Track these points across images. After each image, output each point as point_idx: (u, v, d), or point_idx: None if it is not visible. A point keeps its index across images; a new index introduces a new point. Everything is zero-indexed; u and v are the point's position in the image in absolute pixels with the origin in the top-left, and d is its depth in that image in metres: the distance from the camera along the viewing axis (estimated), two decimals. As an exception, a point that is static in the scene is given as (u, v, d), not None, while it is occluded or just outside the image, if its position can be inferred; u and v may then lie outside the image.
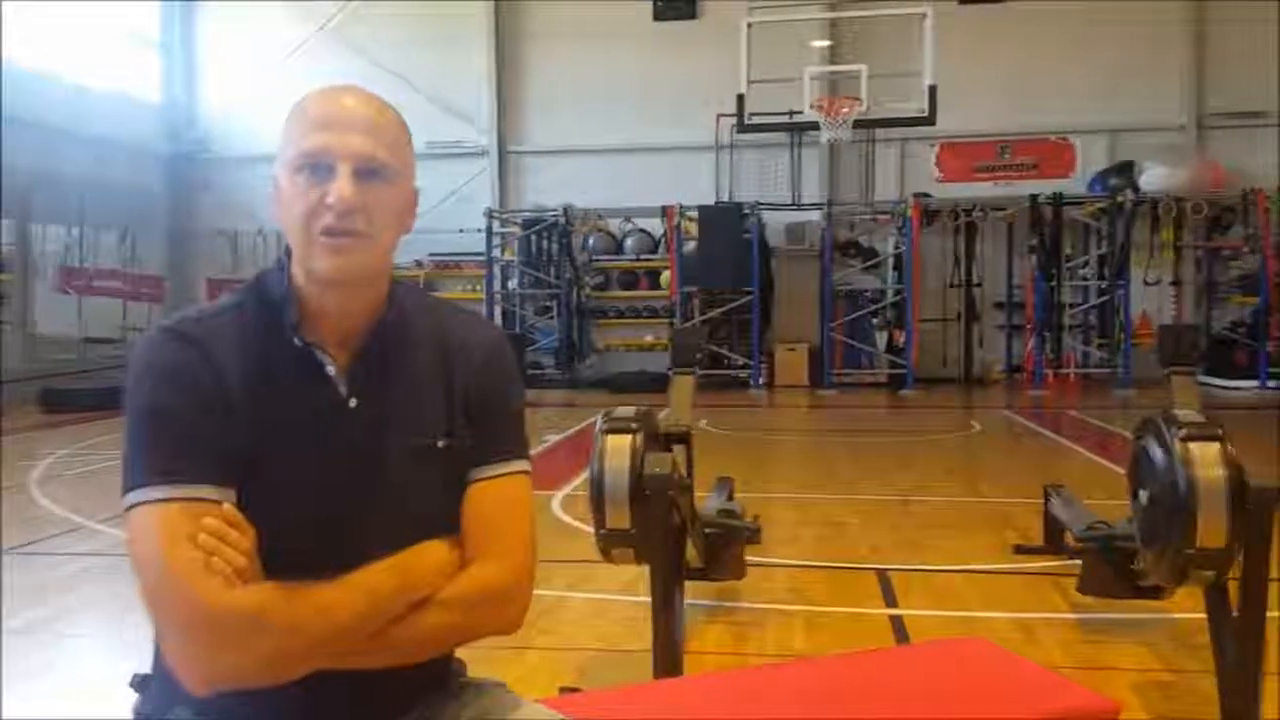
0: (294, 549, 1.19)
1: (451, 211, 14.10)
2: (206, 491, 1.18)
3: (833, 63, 12.67)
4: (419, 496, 1.28)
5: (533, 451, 5.30)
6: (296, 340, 1.26)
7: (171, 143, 14.93)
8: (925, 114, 10.42)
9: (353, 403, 1.27)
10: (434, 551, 1.25)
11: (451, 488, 1.30)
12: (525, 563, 1.31)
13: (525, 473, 1.36)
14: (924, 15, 10.36)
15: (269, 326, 1.26)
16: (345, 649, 1.18)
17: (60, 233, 12.48)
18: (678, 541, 2.75)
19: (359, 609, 1.17)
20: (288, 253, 1.28)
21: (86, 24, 13.23)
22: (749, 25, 10.75)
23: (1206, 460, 2.33)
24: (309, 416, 1.25)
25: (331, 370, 1.27)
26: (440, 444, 1.29)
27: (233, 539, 1.16)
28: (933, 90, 10.26)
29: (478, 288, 14.08)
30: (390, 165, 1.25)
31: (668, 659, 2.56)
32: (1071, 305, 13.09)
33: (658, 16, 14.15)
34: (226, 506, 1.18)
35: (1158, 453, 2.46)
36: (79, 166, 12.36)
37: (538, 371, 13.33)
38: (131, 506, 1.18)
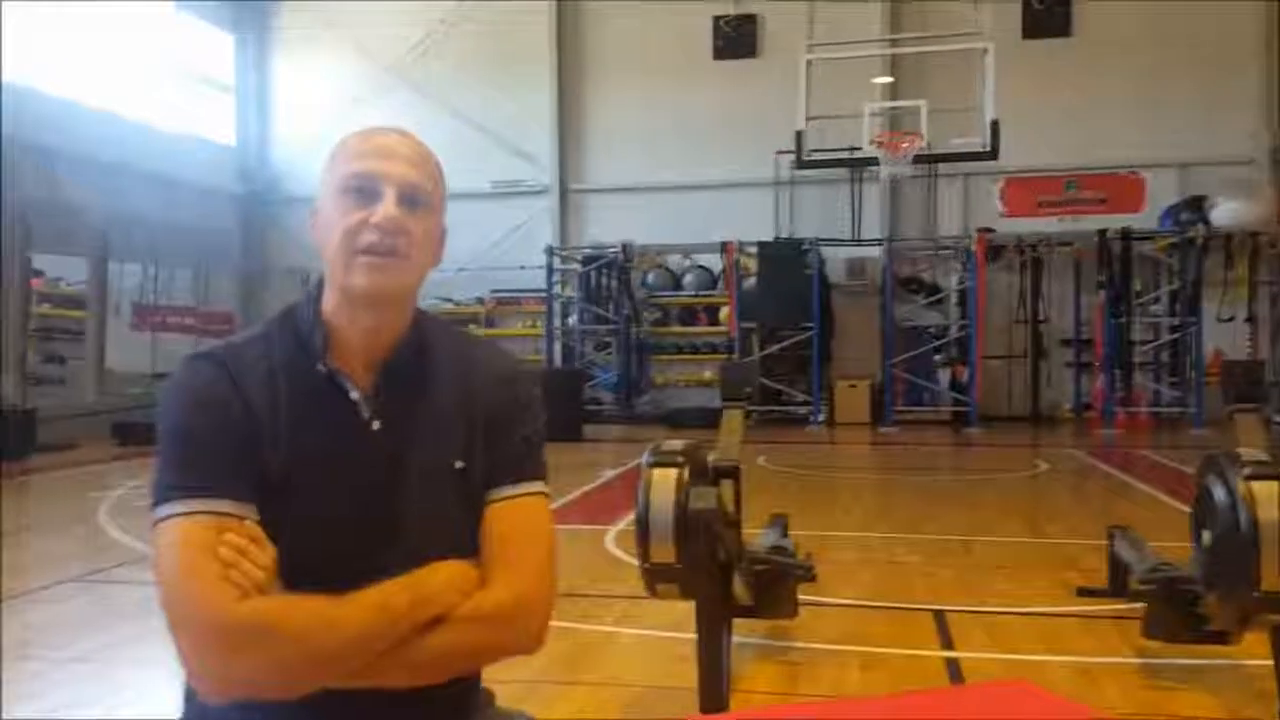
0: (317, 567, 1.21)
1: (513, 249, 14.34)
2: (228, 506, 1.21)
3: (894, 98, 12.64)
4: (439, 517, 1.30)
5: (589, 487, 5.33)
6: (321, 366, 1.30)
7: (244, 183, 15.38)
8: (988, 149, 10.32)
9: (375, 425, 1.31)
10: (448, 569, 1.26)
11: (471, 510, 1.33)
12: (540, 581, 1.31)
13: (542, 494, 1.37)
14: (985, 50, 10.28)
15: (295, 353, 1.31)
16: (359, 665, 1.19)
17: (136, 271, 12.88)
18: (723, 577, 2.72)
19: (368, 625, 1.18)
20: (317, 285, 1.35)
21: (163, 67, 13.75)
22: (809, 62, 10.76)
23: (1271, 501, 2.25)
24: (333, 439, 1.29)
25: (355, 395, 1.31)
26: (458, 465, 1.32)
27: (252, 554, 1.19)
28: (995, 125, 10.16)
29: (538, 323, 14.21)
30: (430, 196, 1.33)
31: (712, 695, 2.53)
32: (1142, 342, 12.79)
33: (718, 55, 14.27)
34: (248, 523, 1.22)
35: (1220, 493, 2.38)
36: (155, 206, 12.76)
37: (596, 407, 13.36)
38: (158, 521, 1.22)
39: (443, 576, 1.26)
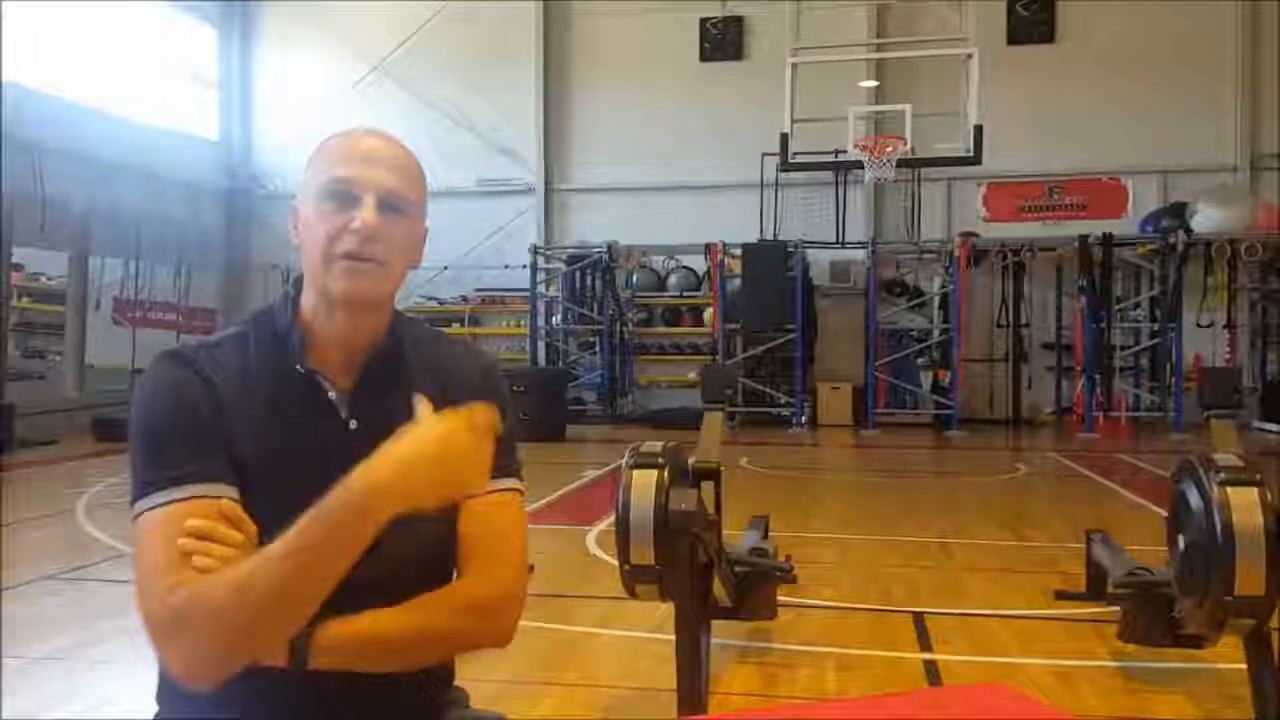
0: None
1: (498, 248, 14.33)
2: (197, 490, 1.21)
3: (878, 102, 12.69)
4: (415, 515, 1.29)
5: (571, 486, 5.34)
6: (299, 366, 1.31)
7: (228, 178, 15.29)
8: (971, 154, 10.36)
9: (352, 424, 1.32)
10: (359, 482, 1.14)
11: (447, 507, 1.31)
12: (514, 576, 1.31)
13: (517, 490, 1.38)
14: (969, 55, 10.32)
15: (271, 353, 1.32)
16: (290, 622, 1.15)
17: (118, 266, 12.79)
18: (703, 579, 2.73)
19: (274, 577, 1.11)
20: (295, 285, 1.35)
21: (147, 62, 13.66)
22: (794, 65, 10.78)
23: (1245, 506, 2.27)
24: (310, 439, 1.29)
25: (333, 395, 1.32)
26: None
27: (219, 534, 1.18)
28: (978, 130, 10.20)
29: (522, 323, 14.19)
30: (410, 202, 1.32)
31: (691, 697, 2.53)
32: (1122, 347, 12.89)
33: (705, 57, 14.29)
34: (224, 501, 1.21)
35: (1195, 498, 2.40)
36: (137, 201, 12.68)
37: (580, 407, 13.36)
38: (133, 519, 1.22)
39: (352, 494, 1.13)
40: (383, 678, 1.24)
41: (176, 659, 1.16)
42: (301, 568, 1.12)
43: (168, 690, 1.31)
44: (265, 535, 1.21)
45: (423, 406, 1.18)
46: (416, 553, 1.27)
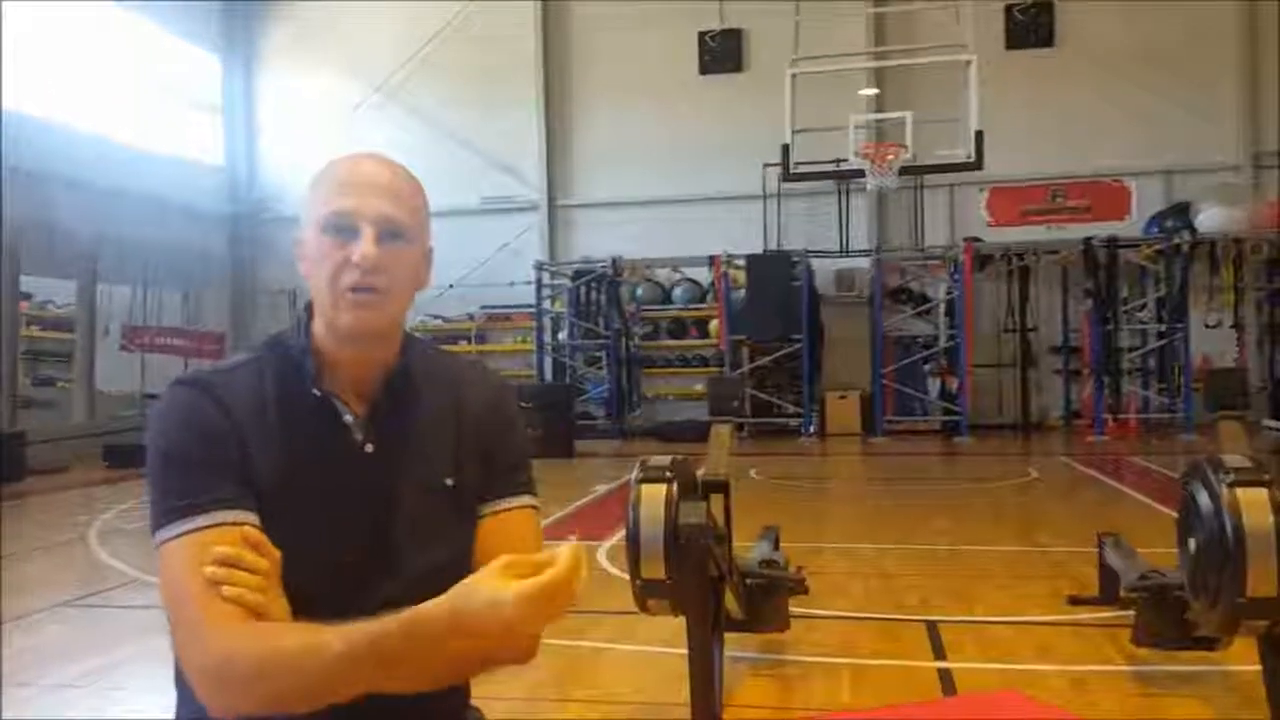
0: (313, 589, 1.21)
1: (502, 265, 14.36)
2: (219, 518, 1.22)
3: (879, 110, 12.72)
4: (433, 535, 1.32)
5: (581, 502, 5.32)
6: (315, 390, 1.32)
7: (233, 203, 15.36)
8: (972, 159, 10.37)
9: (368, 448, 1.33)
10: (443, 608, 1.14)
11: (464, 526, 1.35)
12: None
13: (533, 507, 1.40)
14: (968, 61, 10.35)
15: (287, 378, 1.33)
16: (344, 695, 1.16)
17: (126, 292, 12.85)
18: (715, 592, 2.73)
19: (336, 670, 1.12)
20: (307, 310, 1.36)
21: (151, 89, 13.74)
22: (793, 75, 10.82)
23: (1255, 507, 2.27)
24: (327, 462, 1.31)
25: (349, 418, 1.33)
26: (449, 483, 1.33)
27: (246, 561, 1.19)
28: (979, 136, 10.22)
29: (528, 339, 14.21)
30: (409, 227, 1.32)
31: (705, 711, 2.53)
32: (1130, 349, 12.86)
33: (704, 70, 14.35)
34: (246, 528, 1.22)
35: (1205, 500, 2.40)
36: (144, 228, 12.74)
37: (588, 422, 13.35)
38: (156, 547, 1.23)
39: (438, 616, 1.13)
40: (399, 697, 1.24)
41: (212, 701, 1.17)
42: (369, 674, 1.12)
43: (186, 711, 1.31)
44: (285, 560, 1.23)
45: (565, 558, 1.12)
46: (436, 571, 1.28)
